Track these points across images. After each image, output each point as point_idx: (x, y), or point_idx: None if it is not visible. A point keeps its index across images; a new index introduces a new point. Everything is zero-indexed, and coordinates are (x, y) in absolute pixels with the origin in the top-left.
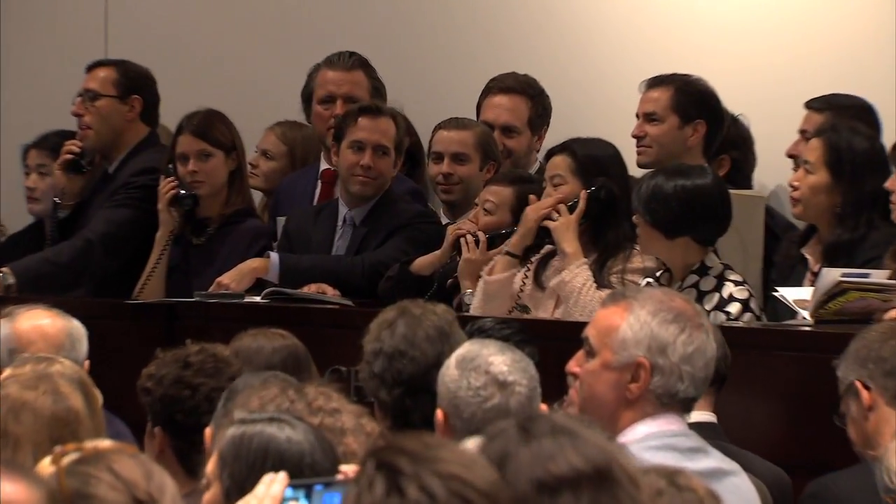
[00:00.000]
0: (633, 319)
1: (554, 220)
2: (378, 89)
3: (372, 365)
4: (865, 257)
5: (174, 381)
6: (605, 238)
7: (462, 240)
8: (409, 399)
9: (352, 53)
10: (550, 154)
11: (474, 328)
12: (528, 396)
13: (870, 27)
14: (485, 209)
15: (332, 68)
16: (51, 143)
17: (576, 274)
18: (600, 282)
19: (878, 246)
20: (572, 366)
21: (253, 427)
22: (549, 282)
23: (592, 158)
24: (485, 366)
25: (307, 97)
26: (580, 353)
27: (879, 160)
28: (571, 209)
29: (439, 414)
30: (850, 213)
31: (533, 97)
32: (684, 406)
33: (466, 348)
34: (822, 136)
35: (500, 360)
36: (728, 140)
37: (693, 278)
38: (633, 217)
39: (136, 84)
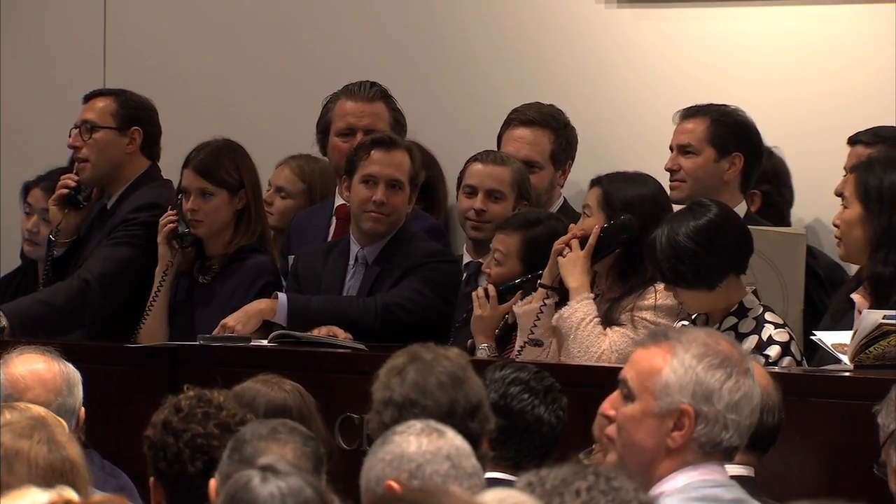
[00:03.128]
0: (676, 363)
1: (565, 255)
2: (399, 122)
3: (382, 415)
4: None
5: (161, 427)
6: (628, 278)
7: (473, 295)
8: None
9: (372, 84)
10: (592, 184)
11: (510, 379)
12: None
13: None
14: (495, 259)
15: (352, 99)
16: (56, 183)
17: (575, 309)
18: (610, 318)
19: None
20: (607, 408)
21: (246, 477)
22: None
23: (620, 193)
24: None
25: (323, 129)
26: (615, 395)
27: None
28: (584, 244)
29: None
30: (885, 244)
31: (556, 130)
32: (726, 455)
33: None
34: (856, 169)
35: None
36: (759, 173)
37: (731, 320)
38: (663, 288)
39: (136, 115)
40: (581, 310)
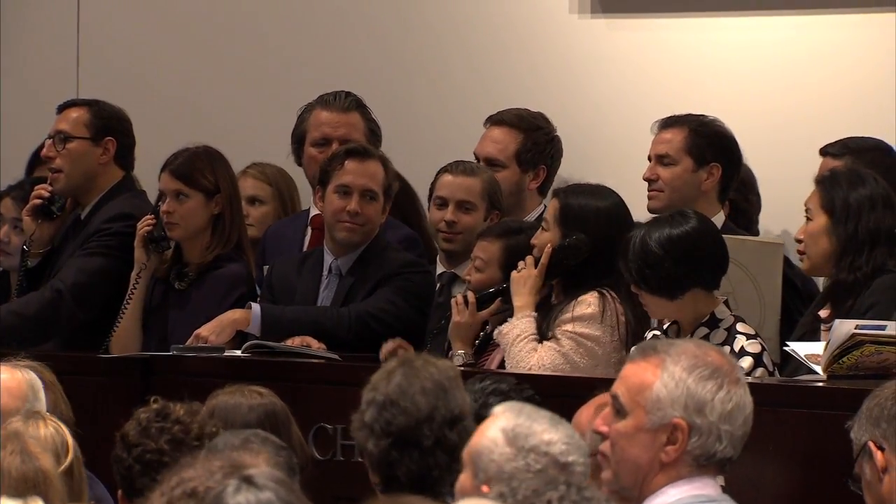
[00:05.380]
0: (667, 377)
1: (518, 271)
2: (374, 132)
3: (364, 414)
4: (867, 303)
5: (120, 440)
6: (571, 293)
7: (452, 302)
8: (396, 451)
9: (347, 94)
10: (552, 196)
11: (489, 390)
12: (583, 473)
13: (883, 70)
14: (475, 266)
15: (328, 109)
16: (27, 193)
17: (514, 325)
18: (541, 333)
19: (881, 291)
20: (600, 424)
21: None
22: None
23: (576, 208)
24: (543, 446)
25: (298, 139)
26: (607, 411)
27: (884, 201)
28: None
29: (485, 489)
30: (850, 251)
31: (526, 131)
32: (720, 467)
33: (512, 421)
34: (821, 183)
35: (557, 438)
36: None
37: (703, 331)
38: (631, 287)
39: (109, 125)
40: (519, 326)
